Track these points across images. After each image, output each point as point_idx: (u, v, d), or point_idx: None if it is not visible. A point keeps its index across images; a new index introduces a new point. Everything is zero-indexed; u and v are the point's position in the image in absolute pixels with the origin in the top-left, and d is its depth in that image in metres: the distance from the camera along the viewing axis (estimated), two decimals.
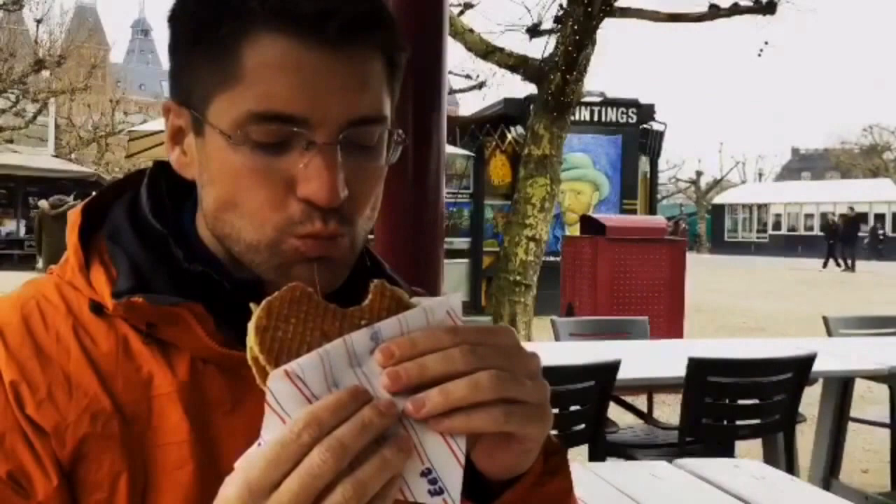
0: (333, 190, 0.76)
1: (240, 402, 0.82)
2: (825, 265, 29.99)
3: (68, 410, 0.78)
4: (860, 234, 30.53)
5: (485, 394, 0.65)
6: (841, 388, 4.82)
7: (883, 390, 5.20)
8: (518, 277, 9.55)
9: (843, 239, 29.96)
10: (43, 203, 15.40)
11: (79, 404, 0.78)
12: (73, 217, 0.88)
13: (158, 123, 11.22)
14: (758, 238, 50.01)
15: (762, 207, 51.62)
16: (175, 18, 0.83)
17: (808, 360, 3.83)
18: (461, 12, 14.49)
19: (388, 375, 0.64)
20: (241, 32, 0.77)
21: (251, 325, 0.65)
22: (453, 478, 0.64)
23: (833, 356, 4.45)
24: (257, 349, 0.64)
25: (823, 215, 43.41)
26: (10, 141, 29.32)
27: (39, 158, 24.36)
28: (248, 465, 0.61)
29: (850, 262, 29.20)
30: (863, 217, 37.41)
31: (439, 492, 0.63)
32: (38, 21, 29.19)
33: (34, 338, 0.81)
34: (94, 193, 0.92)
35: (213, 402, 0.81)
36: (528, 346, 0.72)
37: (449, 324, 0.69)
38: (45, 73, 29.19)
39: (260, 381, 0.64)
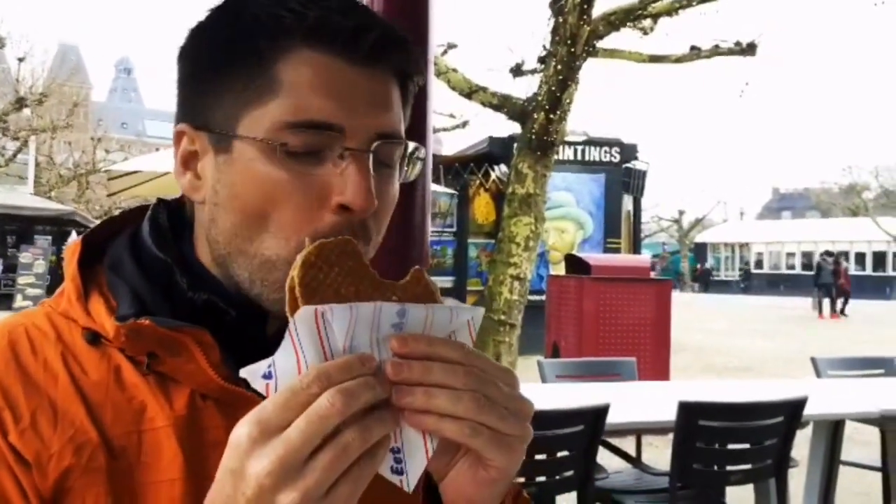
0: (370, 195, 0.77)
1: None
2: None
3: (52, 440, 0.74)
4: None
5: (462, 412, 0.67)
6: (831, 430, 4.75)
7: (869, 430, 5.13)
8: (503, 317, 9.46)
9: None
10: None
11: (63, 434, 0.74)
12: (73, 247, 0.85)
13: (139, 162, 11.14)
14: (740, 277, 50.18)
15: (744, 246, 51.95)
16: (190, 50, 0.84)
17: (800, 403, 3.76)
18: (444, 52, 14.59)
19: (393, 366, 0.67)
20: (276, 50, 0.78)
21: (299, 258, 0.68)
22: (417, 465, 0.68)
23: (823, 399, 4.39)
24: (297, 280, 0.66)
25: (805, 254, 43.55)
26: None
27: (17, 196, 24.12)
28: (259, 409, 0.63)
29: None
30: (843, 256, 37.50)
31: (400, 472, 0.68)
32: (20, 59, 29.21)
33: (20, 363, 0.78)
34: (93, 226, 0.91)
35: (210, 442, 0.77)
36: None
37: (466, 334, 0.72)
38: (26, 111, 29.13)
39: (289, 309, 0.67)
